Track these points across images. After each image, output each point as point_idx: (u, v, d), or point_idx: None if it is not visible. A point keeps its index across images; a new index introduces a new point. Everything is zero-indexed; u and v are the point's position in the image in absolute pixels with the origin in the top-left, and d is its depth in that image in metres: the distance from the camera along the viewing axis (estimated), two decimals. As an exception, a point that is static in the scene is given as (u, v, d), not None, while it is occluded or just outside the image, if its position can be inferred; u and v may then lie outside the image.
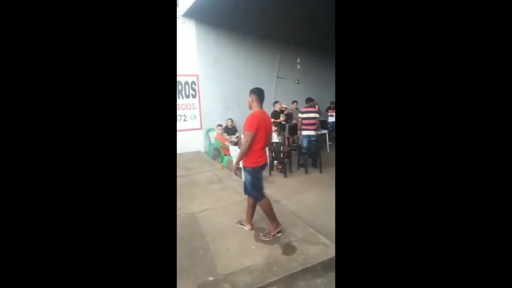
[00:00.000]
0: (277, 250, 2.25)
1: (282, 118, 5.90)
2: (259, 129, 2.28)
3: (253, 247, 2.31)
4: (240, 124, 5.37)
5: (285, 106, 6.16)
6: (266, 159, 2.47)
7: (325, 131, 6.78)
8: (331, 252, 2.17)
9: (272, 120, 5.09)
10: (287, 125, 6.14)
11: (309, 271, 2.03)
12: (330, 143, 6.78)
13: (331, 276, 2.05)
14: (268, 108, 5.11)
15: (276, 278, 1.92)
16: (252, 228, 2.56)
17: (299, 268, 2.01)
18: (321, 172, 4.88)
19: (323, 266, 2.07)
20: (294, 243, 2.32)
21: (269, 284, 1.89)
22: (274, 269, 2.00)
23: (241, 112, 5.61)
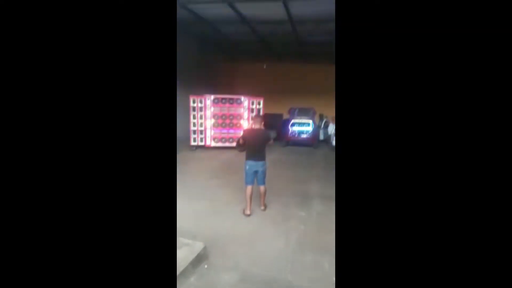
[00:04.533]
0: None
1: None
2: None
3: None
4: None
5: None
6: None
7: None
8: (196, 249, 2.43)
9: None
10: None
11: (182, 275, 2.18)
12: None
13: (201, 269, 2.32)
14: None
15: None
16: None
17: (173, 277, 2.10)
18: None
19: (193, 265, 2.30)
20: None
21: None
22: None
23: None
